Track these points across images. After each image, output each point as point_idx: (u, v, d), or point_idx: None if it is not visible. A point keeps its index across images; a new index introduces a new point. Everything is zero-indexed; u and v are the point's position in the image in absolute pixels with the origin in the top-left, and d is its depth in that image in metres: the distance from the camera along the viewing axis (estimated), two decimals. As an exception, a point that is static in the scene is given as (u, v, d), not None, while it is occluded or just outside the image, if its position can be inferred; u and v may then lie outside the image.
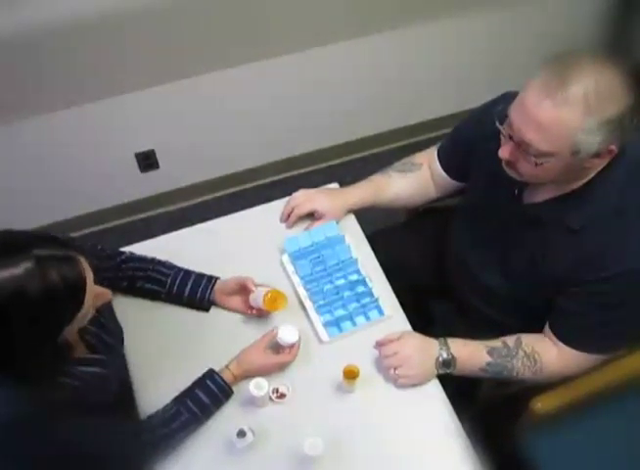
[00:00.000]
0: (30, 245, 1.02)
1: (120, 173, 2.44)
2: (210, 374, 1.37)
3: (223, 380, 1.37)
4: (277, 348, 1.42)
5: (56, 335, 1.08)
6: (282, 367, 1.44)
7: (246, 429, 1.31)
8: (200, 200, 2.68)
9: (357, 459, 1.36)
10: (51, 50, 1.94)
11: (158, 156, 2.43)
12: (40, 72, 1.99)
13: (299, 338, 1.42)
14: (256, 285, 1.49)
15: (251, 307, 1.50)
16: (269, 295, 1.44)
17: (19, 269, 0.99)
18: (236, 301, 1.53)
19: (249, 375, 1.40)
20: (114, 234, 2.56)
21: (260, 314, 1.51)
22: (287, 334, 1.40)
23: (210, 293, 1.51)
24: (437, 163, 1.67)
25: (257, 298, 1.45)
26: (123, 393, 1.40)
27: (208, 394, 1.35)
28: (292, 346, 1.42)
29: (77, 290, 1.06)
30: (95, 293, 1.11)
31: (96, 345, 1.30)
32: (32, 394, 1.09)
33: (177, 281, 1.50)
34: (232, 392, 1.39)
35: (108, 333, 1.33)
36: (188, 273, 1.52)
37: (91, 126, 2.23)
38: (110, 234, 2.56)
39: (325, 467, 1.32)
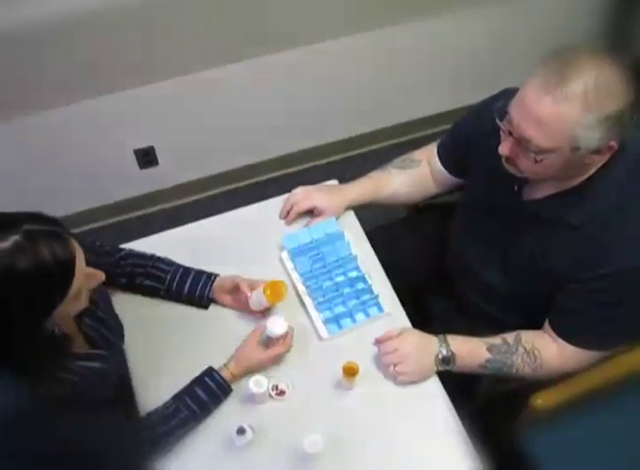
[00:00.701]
0: (20, 221, 1.03)
1: (120, 170, 2.43)
2: (209, 372, 1.37)
3: (222, 378, 1.37)
4: (268, 342, 1.41)
5: (48, 313, 1.07)
6: (277, 359, 1.43)
7: (245, 426, 1.31)
8: (198, 197, 2.67)
9: (357, 456, 1.36)
10: (50, 47, 1.93)
11: (157, 152, 2.42)
12: (40, 69, 1.99)
13: (291, 327, 1.41)
14: (251, 286, 1.47)
15: (258, 311, 1.48)
16: (268, 291, 1.43)
17: (7, 243, 0.99)
18: (233, 299, 1.52)
19: (248, 371, 1.40)
20: (113, 231, 2.55)
21: (267, 312, 1.50)
22: (275, 326, 1.38)
23: (209, 290, 1.50)
24: (437, 159, 1.67)
25: (260, 300, 1.44)
26: (123, 390, 1.40)
27: (207, 391, 1.35)
28: (283, 337, 1.41)
29: (67, 265, 1.05)
30: (86, 272, 1.11)
31: (95, 339, 1.30)
32: (32, 389, 1.08)
33: (176, 278, 1.50)
34: (231, 389, 1.39)
35: (108, 329, 1.33)
36: (187, 270, 1.51)
37: (90, 123, 2.22)
38: (109, 231, 2.56)
39: (324, 464, 1.32)
